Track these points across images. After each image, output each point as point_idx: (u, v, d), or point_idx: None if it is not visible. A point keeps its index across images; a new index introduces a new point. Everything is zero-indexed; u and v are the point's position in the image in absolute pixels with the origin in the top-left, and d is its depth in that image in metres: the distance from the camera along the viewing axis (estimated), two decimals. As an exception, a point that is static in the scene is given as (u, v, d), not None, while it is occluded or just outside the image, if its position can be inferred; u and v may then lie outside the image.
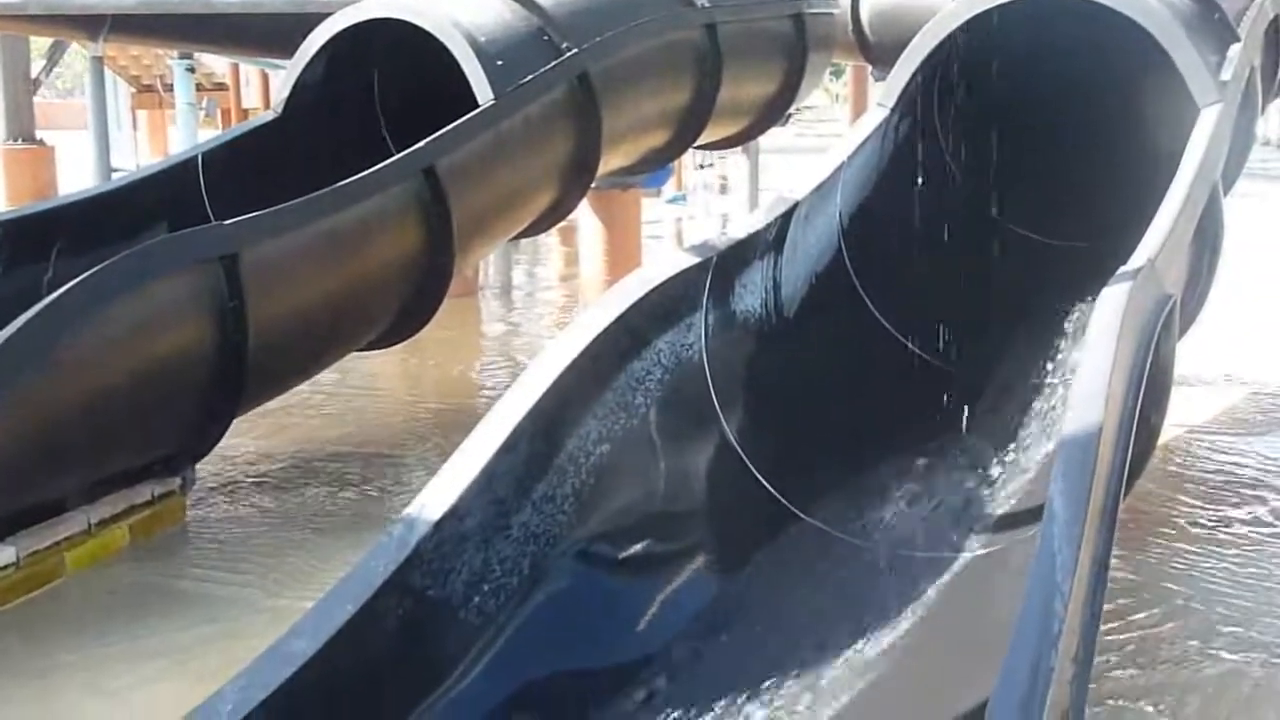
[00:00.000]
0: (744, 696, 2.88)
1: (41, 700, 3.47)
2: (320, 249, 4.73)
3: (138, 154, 18.21)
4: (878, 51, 7.91)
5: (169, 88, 18.68)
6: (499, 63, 5.37)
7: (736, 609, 3.21)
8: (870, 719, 2.89)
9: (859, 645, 3.03)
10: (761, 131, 7.99)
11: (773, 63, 7.22)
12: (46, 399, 3.91)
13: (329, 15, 5.80)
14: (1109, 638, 3.61)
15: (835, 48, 7.83)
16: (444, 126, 5.14)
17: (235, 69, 19.82)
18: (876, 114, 4.73)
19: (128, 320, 4.08)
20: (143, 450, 4.49)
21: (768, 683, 2.91)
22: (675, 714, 2.82)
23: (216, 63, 20.83)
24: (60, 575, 4.18)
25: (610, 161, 6.20)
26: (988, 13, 4.68)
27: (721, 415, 3.54)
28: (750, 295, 3.84)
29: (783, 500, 3.55)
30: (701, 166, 18.40)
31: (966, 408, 4.17)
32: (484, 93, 5.30)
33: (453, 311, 6.23)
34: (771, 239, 3.96)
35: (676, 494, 3.33)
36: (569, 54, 5.65)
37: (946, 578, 3.31)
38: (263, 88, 18.76)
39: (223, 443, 4.77)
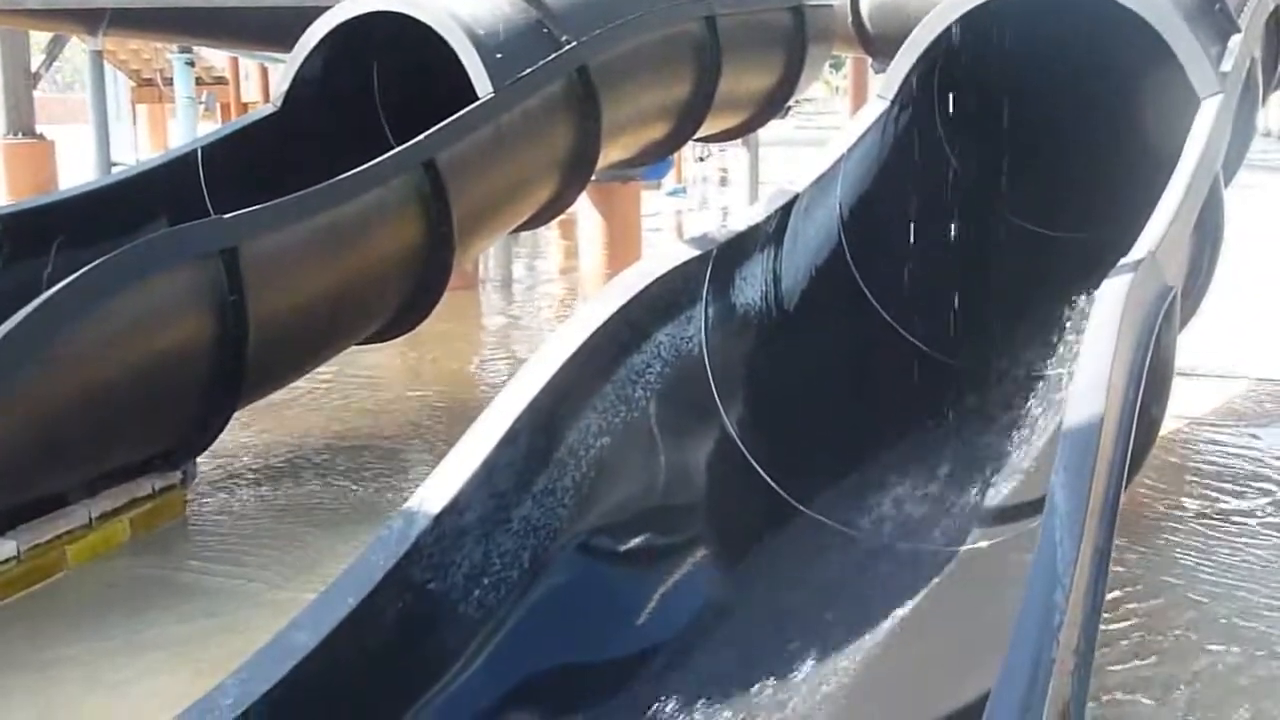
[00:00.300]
0: (745, 688, 2.87)
1: (42, 693, 3.47)
2: (320, 243, 4.72)
3: (137, 148, 18.20)
4: (877, 44, 7.90)
5: (169, 82, 18.70)
6: (498, 56, 5.37)
7: (737, 601, 3.21)
8: (871, 711, 2.89)
9: (860, 637, 3.03)
10: (761, 124, 7.98)
11: (772, 55, 7.21)
12: (47, 393, 3.91)
13: (328, 9, 5.80)
14: (1109, 629, 3.61)
15: (835, 40, 7.82)
16: (443, 120, 5.13)
17: (235, 63, 19.84)
18: (876, 106, 4.73)
19: (128, 314, 4.08)
20: (143, 444, 4.49)
21: (769, 675, 2.91)
22: (676, 706, 2.82)
23: (216, 57, 20.84)
24: (61, 569, 4.18)
25: (610, 154, 6.20)
26: (987, 4, 4.67)
27: (721, 408, 3.54)
28: (750, 288, 3.84)
29: (783, 493, 3.55)
30: (701, 159, 18.44)
31: (966, 399, 4.18)
32: (483, 86, 5.30)
33: (453, 305, 6.23)
34: (771, 231, 3.96)
35: (676, 487, 3.33)
36: (568, 47, 5.64)
37: (948, 570, 3.31)
38: (262, 81, 18.78)
39: (223, 436, 4.77)
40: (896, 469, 3.83)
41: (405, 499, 2.77)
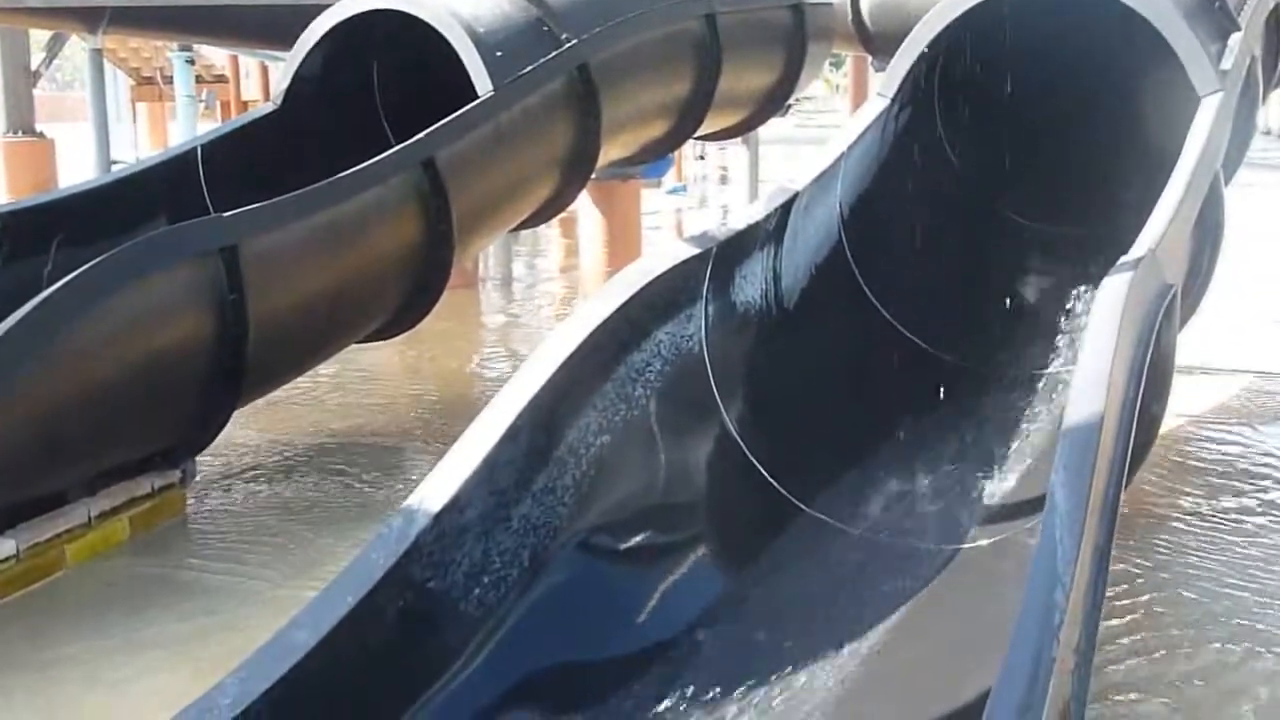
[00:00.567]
0: (746, 686, 2.87)
1: (42, 692, 3.47)
2: (320, 241, 4.72)
3: (137, 146, 18.22)
4: (877, 42, 7.91)
5: (169, 80, 18.70)
6: (498, 54, 5.36)
7: (737, 599, 3.21)
8: (871, 710, 2.89)
9: (861, 636, 3.03)
10: (761, 122, 7.98)
11: (772, 53, 7.21)
12: (46, 392, 3.91)
13: (328, 7, 5.79)
14: (1110, 628, 3.60)
15: (835, 38, 7.83)
16: (443, 118, 5.13)
17: (235, 61, 19.84)
18: (876, 104, 4.73)
19: (127, 313, 4.08)
20: (143, 443, 4.49)
21: (770, 673, 2.91)
22: (676, 704, 2.82)
23: (216, 55, 20.83)
24: (60, 568, 4.18)
25: (610, 152, 6.20)
26: (987, 3, 4.67)
27: (722, 406, 3.53)
28: (750, 286, 3.84)
29: (783, 491, 3.55)
30: (701, 157, 18.44)
31: (967, 397, 4.17)
32: (483, 84, 5.30)
33: (453, 303, 6.23)
34: (771, 229, 3.96)
35: (677, 485, 3.33)
36: (568, 45, 5.64)
37: (948, 568, 3.31)
38: (262, 80, 18.77)
39: (223, 435, 4.77)
40: (896, 467, 3.82)
41: (405, 497, 2.77)
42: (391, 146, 5.18)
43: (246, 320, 4.38)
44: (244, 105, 19.39)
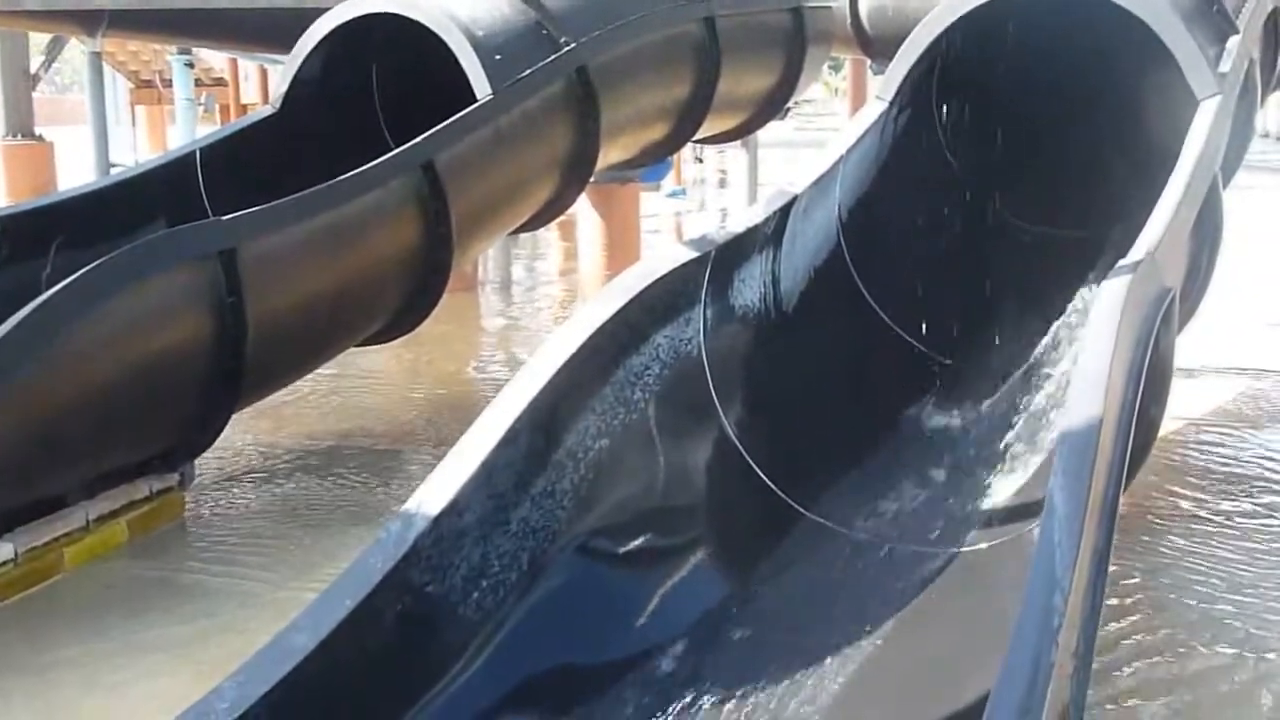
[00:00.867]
0: (744, 690, 2.87)
1: (41, 696, 3.47)
2: (319, 244, 4.72)
3: (136, 149, 18.19)
4: (876, 45, 7.91)
5: (168, 83, 18.70)
6: (497, 57, 5.36)
7: (736, 603, 3.21)
8: (870, 713, 2.89)
9: (859, 639, 3.03)
10: (760, 125, 7.98)
11: (771, 56, 7.21)
12: (45, 395, 3.91)
13: (327, 10, 5.79)
14: (1108, 632, 3.60)
15: (834, 41, 7.83)
16: (442, 121, 5.13)
17: (234, 64, 19.85)
18: (875, 107, 4.73)
19: (126, 316, 4.08)
20: (141, 446, 4.49)
21: (768, 676, 2.91)
22: (675, 708, 2.82)
23: (215, 58, 20.84)
24: (59, 571, 4.18)
25: (609, 155, 6.20)
26: (985, 5, 4.67)
27: (720, 409, 3.53)
28: (749, 289, 3.84)
29: (782, 494, 3.55)
30: (700, 160, 18.45)
31: (966, 400, 4.17)
32: (482, 87, 5.30)
33: (452, 306, 6.23)
34: (770, 233, 3.96)
35: (675, 489, 3.32)
36: (567, 48, 5.64)
37: (947, 572, 3.31)
38: (261, 83, 18.78)
39: (221, 437, 4.76)
40: (895, 470, 3.82)
41: (403, 500, 2.77)
42: (390, 150, 5.18)
43: (245, 323, 4.38)
44: (243, 108, 19.39)
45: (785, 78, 7.35)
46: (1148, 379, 2.92)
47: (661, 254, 3.60)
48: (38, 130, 14.62)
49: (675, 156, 11.92)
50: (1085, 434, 2.49)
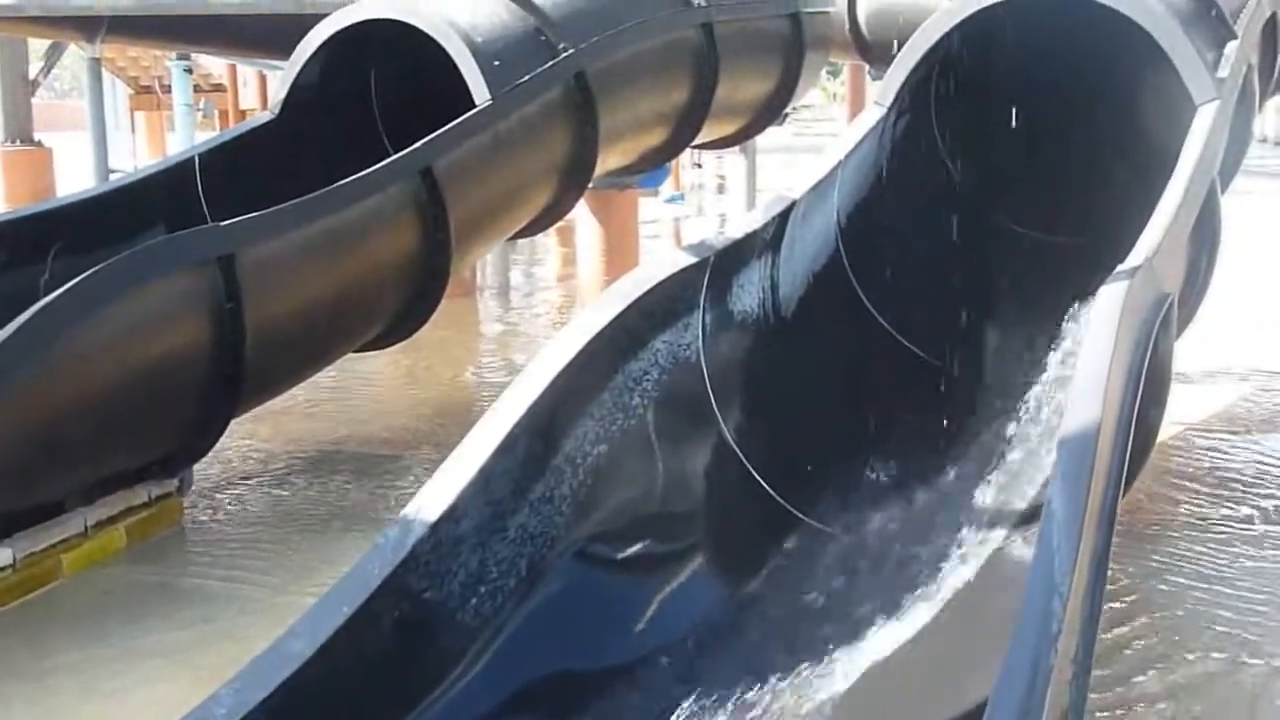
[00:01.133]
0: (744, 694, 2.87)
1: (40, 702, 3.47)
2: (317, 250, 4.72)
3: (135, 155, 18.20)
4: (875, 50, 7.91)
5: (167, 89, 18.67)
6: (496, 63, 5.36)
7: (734, 608, 3.21)
8: (870, 718, 2.88)
9: (857, 644, 3.03)
10: (759, 130, 7.99)
11: (769, 62, 7.22)
12: (43, 401, 3.91)
13: (326, 16, 5.80)
14: (1107, 638, 3.60)
15: (832, 47, 7.83)
16: (441, 127, 5.13)
17: (233, 70, 19.82)
18: (873, 113, 4.73)
19: (125, 322, 4.08)
20: (140, 452, 4.49)
21: (767, 681, 2.91)
22: (674, 713, 2.82)
23: (214, 64, 20.82)
24: (57, 577, 4.17)
25: (608, 161, 6.20)
26: (984, 11, 4.67)
27: (719, 415, 3.53)
28: (748, 295, 3.84)
29: (781, 500, 3.55)
30: (699, 166, 18.45)
31: (965, 405, 4.17)
32: (481, 93, 5.30)
33: (450, 312, 6.23)
34: (769, 238, 3.96)
35: (674, 494, 3.33)
36: (566, 54, 5.64)
37: (946, 576, 3.31)
38: (260, 88, 18.76)
39: (220, 443, 4.76)
40: (895, 475, 3.82)
41: (402, 506, 2.77)
42: (389, 155, 5.18)
43: (244, 328, 4.38)
44: (242, 114, 19.36)
45: (783, 83, 7.35)
46: (1146, 383, 2.92)
47: (660, 259, 3.60)
48: (37, 136, 14.60)
49: (674, 162, 11.91)
50: (1084, 439, 2.49)
